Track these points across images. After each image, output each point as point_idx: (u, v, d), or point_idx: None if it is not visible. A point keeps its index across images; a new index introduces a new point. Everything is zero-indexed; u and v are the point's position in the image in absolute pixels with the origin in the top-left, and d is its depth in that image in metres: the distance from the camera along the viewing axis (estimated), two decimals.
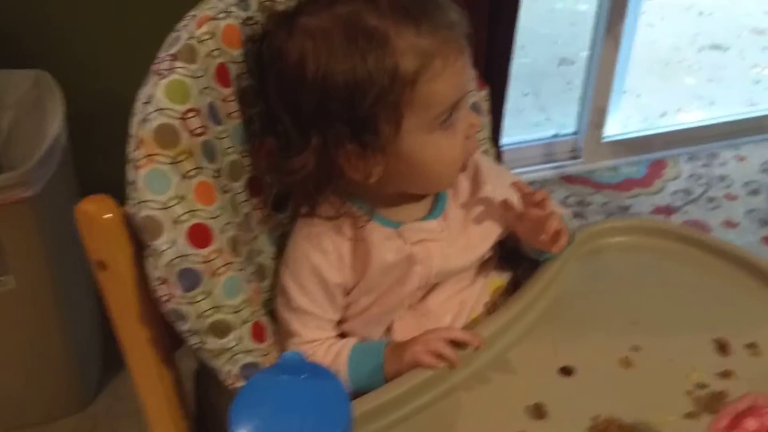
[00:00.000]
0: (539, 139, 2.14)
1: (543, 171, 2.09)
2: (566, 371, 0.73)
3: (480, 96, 0.90)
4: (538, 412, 0.68)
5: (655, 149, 2.17)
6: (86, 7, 1.44)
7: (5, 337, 1.30)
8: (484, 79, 0.91)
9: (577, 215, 1.92)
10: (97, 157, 1.43)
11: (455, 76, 0.70)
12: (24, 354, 1.34)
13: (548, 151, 2.13)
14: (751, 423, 0.55)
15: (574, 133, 2.13)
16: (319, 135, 0.68)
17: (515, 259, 0.88)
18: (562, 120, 2.30)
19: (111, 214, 0.64)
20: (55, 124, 1.26)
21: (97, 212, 0.63)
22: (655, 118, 2.37)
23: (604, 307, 0.81)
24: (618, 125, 2.16)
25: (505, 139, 1.94)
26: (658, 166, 2.12)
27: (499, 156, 1.51)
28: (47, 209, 1.22)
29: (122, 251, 0.65)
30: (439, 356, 0.71)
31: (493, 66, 1.61)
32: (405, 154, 0.71)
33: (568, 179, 2.07)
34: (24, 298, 1.26)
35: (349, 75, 0.65)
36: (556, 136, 2.15)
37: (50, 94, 1.32)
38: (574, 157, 2.13)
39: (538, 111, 2.45)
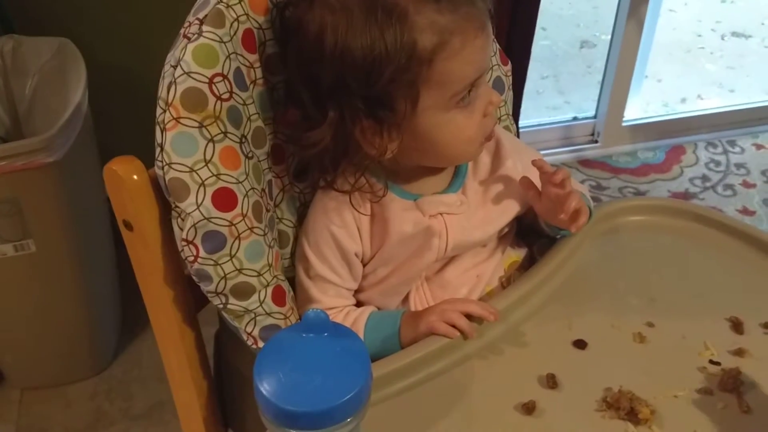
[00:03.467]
0: (558, 122, 2.14)
1: (560, 154, 2.09)
2: (580, 344, 0.74)
3: (503, 71, 0.90)
4: (550, 382, 0.69)
5: (674, 135, 2.16)
6: None
7: (25, 300, 1.33)
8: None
9: (593, 199, 1.92)
10: (117, 125, 1.45)
11: (474, 55, 0.69)
12: (43, 317, 1.36)
13: (566, 134, 2.12)
14: None
15: (593, 117, 2.12)
16: (336, 109, 0.68)
17: (531, 235, 0.89)
18: (581, 104, 2.29)
19: (138, 176, 0.65)
20: (77, 92, 1.27)
21: (125, 173, 0.64)
22: (675, 104, 2.36)
23: (619, 283, 0.81)
24: (638, 110, 2.16)
25: (523, 122, 1.94)
26: (676, 152, 2.11)
27: (518, 135, 1.50)
28: (68, 175, 1.24)
29: (149, 212, 0.66)
30: (454, 326, 0.72)
31: (514, 45, 1.61)
32: (421, 132, 0.71)
33: (585, 163, 2.07)
34: (43, 261, 1.28)
35: (367, 51, 0.64)
36: (575, 119, 2.14)
37: (73, 62, 1.33)
38: (593, 141, 2.13)
39: (557, 94, 2.44)
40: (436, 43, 0.66)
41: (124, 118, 1.42)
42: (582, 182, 1.98)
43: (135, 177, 0.64)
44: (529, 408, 0.67)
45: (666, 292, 0.80)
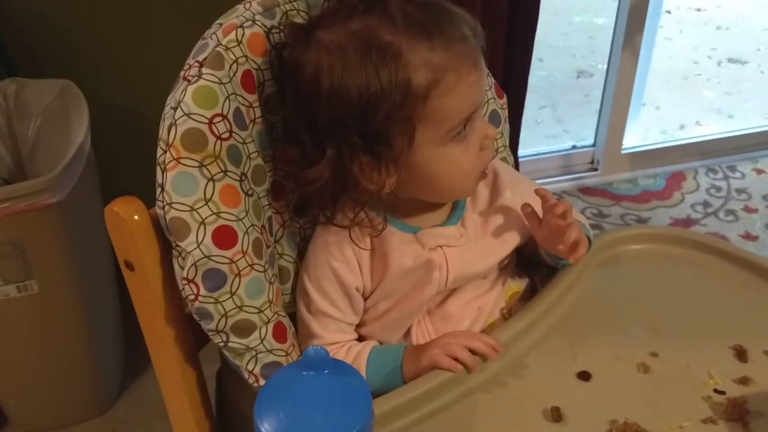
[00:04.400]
0: (557, 151, 2.15)
1: (561, 182, 2.10)
2: (584, 376, 0.73)
3: (498, 104, 0.91)
4: (555, 415, 0.69)
5: (674, 161, 2.17)
6: (111, 20, 1.48)
7: (28, 341, 1.33)
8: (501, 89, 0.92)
9: (594, 227, 1.92)
10: (119, 165, 1.46)
11: (468, 90, 0.70)
12: (46, 358, 1.36)
13: (566, 162, 2.13)
14: None
15: (592, 145, 2.13)
16: (334, 147, 0.69)
17: (533, 265, 0.89)
18: (579, 132, 2.30)
19: (139, 216, 0.65)
20: (80, 133, 1.28)
21: (126, 213, 0.65)
22: (674, 131, 2.37)
23: (621, 313, 0.81)
24: (637, 137, 2.17)
25: (523, 151, 1.95)
26: (676, 179, 2.12)
27: (516, 166, 1.51)
28: (71, 215, 1.24)
29: (149, 252, 0.66)
30: (457, 359, 0.72)
31: (511, 77, 1.62)
32: (418, 166, 0.72)
33: (586, 191, 2.08)
34: (47, 302, 1.28)
35: (363, 89, 0.66)
36: (574, 147, 2.15)
37: (75, 103, 1.35)
38: (592, 169, 2.14)
39: (555, 123, 2.46)
40: (431, 80, 0.67)
41: (126, 158, 1.43)
42: (583, 210, 1.99)
43: (136, 217, 0.65)
44: None
45: (669, 321, 0.80)
